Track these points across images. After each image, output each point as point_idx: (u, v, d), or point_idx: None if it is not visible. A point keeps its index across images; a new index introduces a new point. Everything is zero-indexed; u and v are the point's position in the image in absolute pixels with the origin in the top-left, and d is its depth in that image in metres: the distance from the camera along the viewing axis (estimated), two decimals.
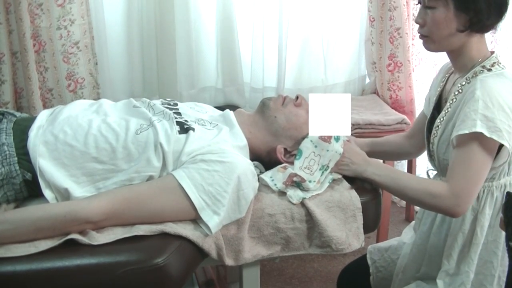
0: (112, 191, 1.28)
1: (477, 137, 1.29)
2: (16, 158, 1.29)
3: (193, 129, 1.37)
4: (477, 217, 1.41)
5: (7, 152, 1.29)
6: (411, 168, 2.54)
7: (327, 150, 1.40)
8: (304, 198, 1.35)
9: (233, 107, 2.29)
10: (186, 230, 1.25)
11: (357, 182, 1.44)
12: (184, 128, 1.36)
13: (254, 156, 1.46)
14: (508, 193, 1.16)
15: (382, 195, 1.49)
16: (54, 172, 1.28)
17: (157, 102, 1.50)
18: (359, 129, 2.25)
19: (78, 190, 1.28)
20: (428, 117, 1.52)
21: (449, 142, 1.36)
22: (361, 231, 1.38)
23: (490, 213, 1.41)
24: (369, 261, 1.68)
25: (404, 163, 2.67)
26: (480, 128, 1.27)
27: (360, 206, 1.38)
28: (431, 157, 1.50)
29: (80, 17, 2.03)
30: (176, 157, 1.32)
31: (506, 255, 1.41)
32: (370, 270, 1.67)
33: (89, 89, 2.11)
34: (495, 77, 1.34)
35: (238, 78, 2.37)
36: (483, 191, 1.40)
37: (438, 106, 1.49)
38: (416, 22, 1.40)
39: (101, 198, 1.24)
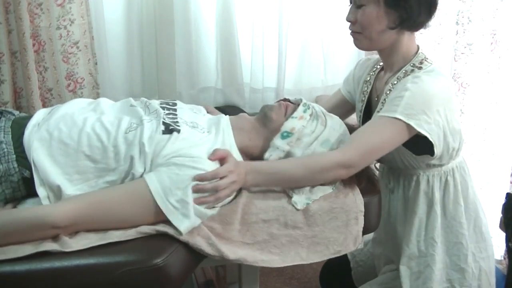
0: (80, 196, 1.26)
1: (394, 122, 1.29)
2: (14, 156, 1.29)
3: (178, 131, 1.34)
4: (431, 199, 1.43)
5: (5, 150, 1.29)
6: None
7: None
8: (308, 204, 1.34)
9: (233, 108, 2.29)
10: (165, 228, 1.23)
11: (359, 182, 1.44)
12: (169, 129, 1.34)
13: (248, 157, 1.46)
14: (508, 194, 1.17)
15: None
16: (47, 168, 1.27)
17: (155, 102, 1.49)
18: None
19: (70, 188, 1.27)
20: (360, 115, 1.53)
21: None
22: (360, 234, 1.38)
23: (440, 196, 1.42)
24: (349, 256, 1.69)
25: None
26: (399, 115, 1.28)
27: (363, 209, 1.38)
28: None
29: (80, 17, 2.03)
30: (155, 157, 1.30)
31: (475, 231, 1.45)
32: (351, 265, 1.67)
33: (89, 89, 2.11)
34: (428, 74, 1.35)
35: (238, 79, 2.36)
36: (433, 175, 1.42)
37: (369, 104, 1.49)
38: (348, 20, 1.42)
39: (67, 203, 1.22)
